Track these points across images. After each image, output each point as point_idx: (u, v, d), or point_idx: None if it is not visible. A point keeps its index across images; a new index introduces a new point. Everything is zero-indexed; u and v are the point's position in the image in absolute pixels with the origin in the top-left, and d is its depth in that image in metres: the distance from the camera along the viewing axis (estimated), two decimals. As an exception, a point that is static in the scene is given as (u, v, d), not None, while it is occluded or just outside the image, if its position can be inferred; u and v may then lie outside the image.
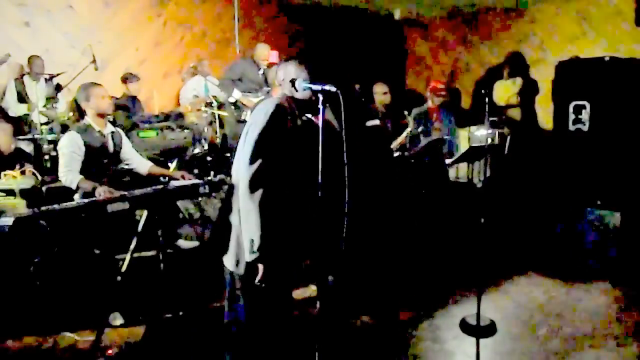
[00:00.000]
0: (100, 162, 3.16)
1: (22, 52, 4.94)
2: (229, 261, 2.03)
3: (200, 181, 2.72)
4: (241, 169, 1.91)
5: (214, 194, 3.25)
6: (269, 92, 5.26)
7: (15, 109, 4.86)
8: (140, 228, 2.84)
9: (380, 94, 4.68)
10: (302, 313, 3.11)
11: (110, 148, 3.23)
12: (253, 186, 1.85)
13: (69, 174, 3.04)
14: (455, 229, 4.08)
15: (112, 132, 3.27)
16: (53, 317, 2.68)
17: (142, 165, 3.39)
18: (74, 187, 3.03)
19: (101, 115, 3.18)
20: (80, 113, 3.21)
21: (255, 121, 1.94)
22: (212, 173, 4.22)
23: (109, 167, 3.23)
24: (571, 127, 4.04)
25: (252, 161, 1.87)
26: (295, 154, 1.94)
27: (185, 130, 4.77)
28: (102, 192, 2.93)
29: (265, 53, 5.47)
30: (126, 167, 3.37)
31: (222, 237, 2.03)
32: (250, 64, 5.43)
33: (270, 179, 1.87)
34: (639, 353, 2.67)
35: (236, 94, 5.26)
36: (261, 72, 5.45)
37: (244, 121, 4.86)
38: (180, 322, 2.72)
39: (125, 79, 5.46)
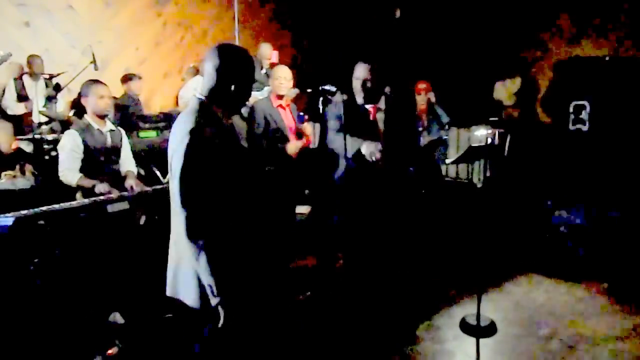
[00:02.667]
0: (99, 160, 3.16)
1: (22, 52, 4.95)
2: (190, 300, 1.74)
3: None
4: (177, 206, 1.65)
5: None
6: (271, 90, 5.29)
7: (14, 108, 4.86)
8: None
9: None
10: (300, 312, 3.11)
11: (109, 146, 3.23)
12: (193, 227, 1.61)
13: (68, 172, 3.06)
14: (455, 229, 4.08)
15: (112, 131, 3.27)
16: (52, 317, 2.68)
17: (124, 166, 3.38)
18: (73, 185, 3.05)
19: (99, 115, 3.18)
20: (80, 111, 3.21)
21: (176, 151, 1.65)
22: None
23: (108, 166, 3.23)
24: (571, 127, 4.04)
25: (184, 201, 1.61)
26: (233, 162, 1.72)
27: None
28: (102, 189, 2.95)
29: (269, 52, 5.55)
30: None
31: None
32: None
33: (211, 210, 1.64)
34: (639, 353, 2.67)
35: None
36: (264, 71, 5.49)
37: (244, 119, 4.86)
38: (179, 322, 2.71)
39: (126, 79, 5.47)
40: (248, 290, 1.76)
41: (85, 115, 3.19)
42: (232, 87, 1.75)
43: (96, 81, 3.19)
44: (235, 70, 1.76)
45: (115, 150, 3.29)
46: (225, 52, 1.79)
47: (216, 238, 1.64)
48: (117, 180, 3.21)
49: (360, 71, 2.88)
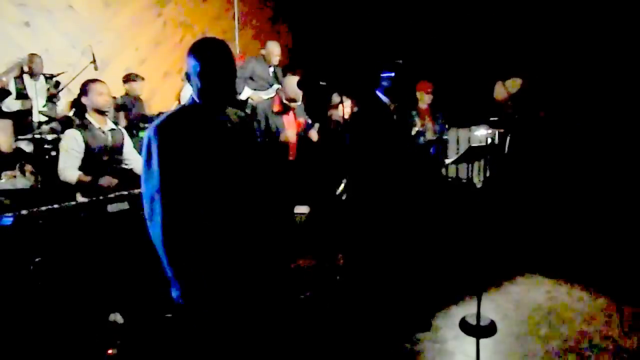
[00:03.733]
0: (101, 160, 3.17)
1: (22, 52, 4.95)
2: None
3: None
4: (146, 210, 1.65)
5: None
6: (278, 89, 5.31)
7: (11, 106, 4.84)
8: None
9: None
10: (300, 312, 3.11)
11: (111, 145, 3.24)
12: (148, 220, 1.63)
13: (67, 170, 3.08)
14: (455, 229, 4.08)
15: (113, 129, 3.28)
16: (52, 317, 2.68)
17: (132, 163, 3.40)
18: (73, 183, 3.07)
19: (100, 112, 3.19)
20: (80, 111, 3.22)
21: (144, 153, 1.64)
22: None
23: (110, 165, 3.23)
24: (571, 127, 4.04)
25: (144, 197, 1.61)
26: (213, 160, 1.66)
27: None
28: (105, 181, 2.95)
29: (276, 51, 5.54)
30: (126, 166, 3.37)
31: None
32: (260, 62, 5.50)
33: (182, 212, 1.61)
34: (639, 353, 2.67)
35: (247, 92, 5.31)
36: (271, 69, 5.50)
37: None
38: (179, 322, 2.71)
39: (127, 79, 5.47)
40: (227, 288, 1.72)
41: (86, 115, 3.20)
42: (214, 81, 1.62)
43: (95, 80, 3.22)
44: (209, 64, 1.61)
45: (117, 149, 3.29)
46: (193, 53, 1.65)
47: (180, 233, 1.61)
48: (119, 179, 3.21)
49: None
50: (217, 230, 1.68)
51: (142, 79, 5.54)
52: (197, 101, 1.68)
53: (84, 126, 3.15)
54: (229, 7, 6.62)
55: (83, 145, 3.09)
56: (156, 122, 1.64)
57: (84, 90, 3.16)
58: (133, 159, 3.39)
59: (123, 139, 3.35)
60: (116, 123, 3.48)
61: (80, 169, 3.11)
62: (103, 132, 3.20)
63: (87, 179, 3.03)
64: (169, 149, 1.59)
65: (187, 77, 1.69)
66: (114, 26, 5.73)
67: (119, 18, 5.77)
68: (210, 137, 1.67)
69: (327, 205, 3.81)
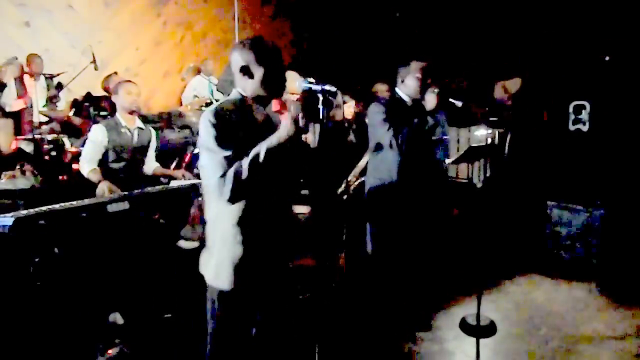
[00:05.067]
0: (122, 157, 3.21)
1: (22, 52, 4.95)
2: (207, 270, 1.77)
3: (200, 181, 2.72)
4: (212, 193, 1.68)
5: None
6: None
7: (12, 105, 4.84)
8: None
9: (383, 92, 4.68)
10: (299, 312, 3.11)
11: (134, 144, 3.26)
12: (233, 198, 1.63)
13: (85, 162, 3.15)
14: (455, 229, 4.08)
15: (141, 129, 3.31)
16: (53, 317, 2.68)
17: (149, 166, 3.44)
18: (85, 173, 3.13)
19: (129, 112, 3.23)
20: (78, 110, 3.24)
21: (201, 140, 1.70)
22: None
23: (131, 165, 3.25)
24: (571, 127, 4.04)
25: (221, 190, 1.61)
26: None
27: (185, 130, 4.78)
28: (100, 190, 2.97)
29: None
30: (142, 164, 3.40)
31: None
32: None
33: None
34: (639, 353, 2.67)
35: (235, 93, 5.32)
36: None
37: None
38: (179, 322, 2.71)
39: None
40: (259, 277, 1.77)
41: (116, 113, 3.27)
42: (279, 68, 1.79)
43: (128, 81, 3.35)
44: (262, 59, 1.77)
45: (142, 149, 3.32)
46: (253, 46, 1.78)
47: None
48: (136, 180, 3.22)
49: (420, 68, 2.87)
50: (262, 223, 1.74)
51: (135, 85, 5.55)
52: (246, 94, 1.80)
53: (112, 124, 3.21)
54: (229, 7, 6.61)
55: (106, 141, 3.14)
56: (213, 107, 1.73)
57: (114, 90, 3.26)
58: (148, 159, 3.41)
59: (150, 139, 3.40)
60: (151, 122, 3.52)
61: (102, 163, 3.16)
62: (129, 130, 3.23)
63: (95, 179, 3.07)
64: (226, 132, 1.66)
65: (243, 69, 1.77)
66: (114, 26, 5.73)
67: (119, 18, 5.77)
68: (261, 128, 1.76)
69: (327, 205, 3.81)
